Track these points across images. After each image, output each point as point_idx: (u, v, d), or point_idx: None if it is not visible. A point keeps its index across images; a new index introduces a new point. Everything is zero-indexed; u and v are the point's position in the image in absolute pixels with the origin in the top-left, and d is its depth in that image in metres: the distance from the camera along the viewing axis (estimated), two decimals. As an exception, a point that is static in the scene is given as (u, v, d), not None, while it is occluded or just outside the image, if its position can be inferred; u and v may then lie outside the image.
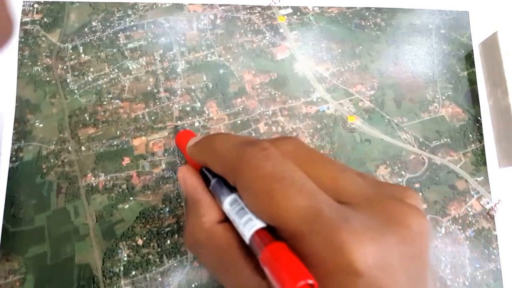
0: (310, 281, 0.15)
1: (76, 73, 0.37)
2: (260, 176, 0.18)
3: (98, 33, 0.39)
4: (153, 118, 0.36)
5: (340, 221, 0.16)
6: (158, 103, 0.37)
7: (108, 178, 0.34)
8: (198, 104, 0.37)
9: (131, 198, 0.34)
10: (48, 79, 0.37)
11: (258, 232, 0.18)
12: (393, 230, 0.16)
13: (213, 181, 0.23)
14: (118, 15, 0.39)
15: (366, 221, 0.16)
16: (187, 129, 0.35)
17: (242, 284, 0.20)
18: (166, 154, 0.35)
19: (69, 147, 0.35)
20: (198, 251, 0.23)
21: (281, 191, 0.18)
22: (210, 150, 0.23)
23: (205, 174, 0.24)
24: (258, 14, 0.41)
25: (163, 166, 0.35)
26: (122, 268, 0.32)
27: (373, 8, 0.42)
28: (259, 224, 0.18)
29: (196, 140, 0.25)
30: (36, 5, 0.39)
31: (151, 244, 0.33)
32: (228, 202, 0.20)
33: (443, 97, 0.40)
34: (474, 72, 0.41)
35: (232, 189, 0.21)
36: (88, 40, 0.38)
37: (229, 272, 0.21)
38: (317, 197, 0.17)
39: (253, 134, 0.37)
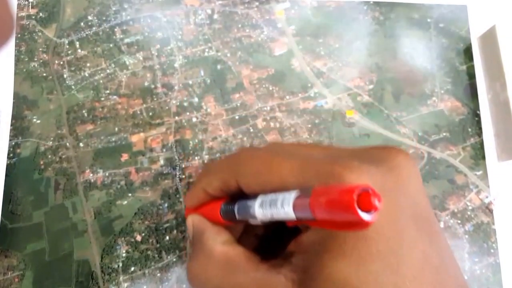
0: (370, 190, 0.15)
1: (72, 69, 0.37)
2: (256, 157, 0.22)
3: (94, 28, 0.38)
4: (150, 114, 0.36)
5: (331, 161, 0.19)
6: (155, 99, 0.37)
7: (107, 174, 0.34)
8: (196, 99, 0.37)
9: (130, 194, 0.34)
10: (45, 74, 0.36)
11: (296, 199, 0.19)
12: (380, 164, 0.19)
13: (236, 205, 0.23)
14: (114, 9, 0.39)
15: (354, 160, 0.19)
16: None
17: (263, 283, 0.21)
18: (164, 150, 0.35)
19: (67, 144, 0.35)
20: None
21: (276, 159, 0.21)
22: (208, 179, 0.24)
23: (227, 211, 0.24)
24: (256, 8, 0.40)
25: (162, 162, 0.35)
26: (120, 264, 0.32)
27: (371, 2, 0.42)
28: (291, 193, 0.19)
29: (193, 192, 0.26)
30: None
31: (150, 240, 0.33)
32: (258, 204, 0.21)
33: (442, 91, 0.40)
34: (473, 66, 0.41)
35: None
36: (85, 35, 0.38)
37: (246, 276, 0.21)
38: (310, 156, 0.21)
39: (251, 130, 0.37)
